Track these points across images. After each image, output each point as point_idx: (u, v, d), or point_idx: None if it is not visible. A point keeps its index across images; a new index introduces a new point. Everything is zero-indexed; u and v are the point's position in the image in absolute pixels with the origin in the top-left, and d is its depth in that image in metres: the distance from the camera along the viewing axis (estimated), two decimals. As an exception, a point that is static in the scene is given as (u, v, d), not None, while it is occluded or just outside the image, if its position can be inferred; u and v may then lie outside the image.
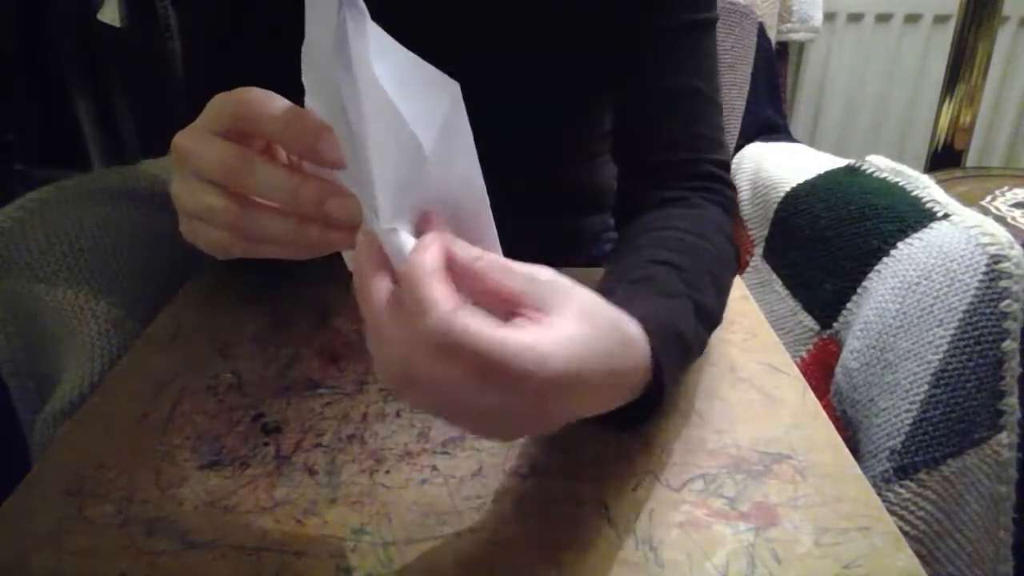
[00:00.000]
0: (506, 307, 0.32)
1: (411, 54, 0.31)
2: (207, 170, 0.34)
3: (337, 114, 0.31)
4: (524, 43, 0.61)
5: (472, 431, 0.35)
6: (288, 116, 0.33)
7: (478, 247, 0.33)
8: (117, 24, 1.13)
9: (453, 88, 0.32)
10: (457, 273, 0.31)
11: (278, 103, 0.33)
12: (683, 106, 0.60)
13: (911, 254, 0.65)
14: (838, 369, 0.70)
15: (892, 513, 0.54)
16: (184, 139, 0.35)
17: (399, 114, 0.31)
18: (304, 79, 0.35)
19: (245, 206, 0.35)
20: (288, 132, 0.33)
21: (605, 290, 0.43)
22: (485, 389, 0.30)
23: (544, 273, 0.33)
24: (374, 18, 0.30)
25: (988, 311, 0.59)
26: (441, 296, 0.29)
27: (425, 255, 0.30)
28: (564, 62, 0.62)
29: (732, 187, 0.62)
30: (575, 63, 0.63)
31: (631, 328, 0.37)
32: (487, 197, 0.34)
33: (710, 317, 0.49)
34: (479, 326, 0.29)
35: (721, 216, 0.58)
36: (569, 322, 0.32)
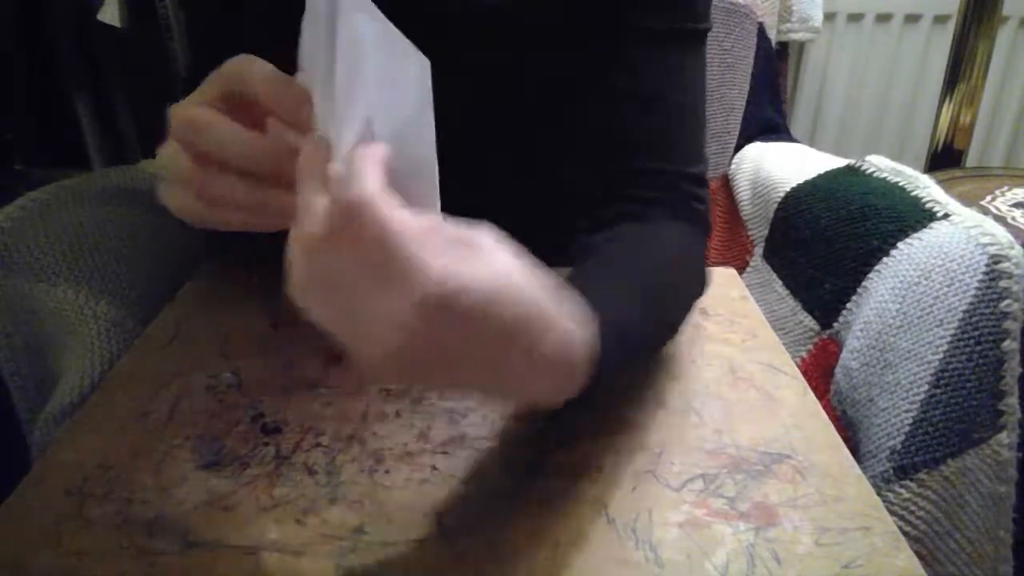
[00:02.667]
0: None
1: (389, 23, 0.30)
2: (176, 129, 0.35)
3: (319, 69, 0.31)
4: (514, 41, 0.60)
5: (361, 349, 0.33)
6: (276, 77, 0.34)
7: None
8: (117, 24, 1.13)
9: (424, 63, 0.31)
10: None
11: (268, 67, 0.34)
12: (649, 112, 0.56)
13: (911, 254, 0.65)
14: (838, 369, 0.70)
15: (892, 513, 0.54)
16: (175, 106, 0.35)
17: (368, 70, 0.30)
18: (299, 52, 0.36)
19: (205, 166, 0.35)
20: (274, 91, 0.34)
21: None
22: (379, 283, 0.29)
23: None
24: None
25: (988, 311, 0.59)
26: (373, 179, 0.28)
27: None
28: (553, 59, 0.61)
29: (704, 202, 0.58)
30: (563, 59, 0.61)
31: (572, 323, 0.34)
32: (437, 185, 0.32)
33: (649, 340, 0.47)
34: (402, 214, 0.28)
35: (684, 233, 0.55)
36: (505, 270, 0.30)
